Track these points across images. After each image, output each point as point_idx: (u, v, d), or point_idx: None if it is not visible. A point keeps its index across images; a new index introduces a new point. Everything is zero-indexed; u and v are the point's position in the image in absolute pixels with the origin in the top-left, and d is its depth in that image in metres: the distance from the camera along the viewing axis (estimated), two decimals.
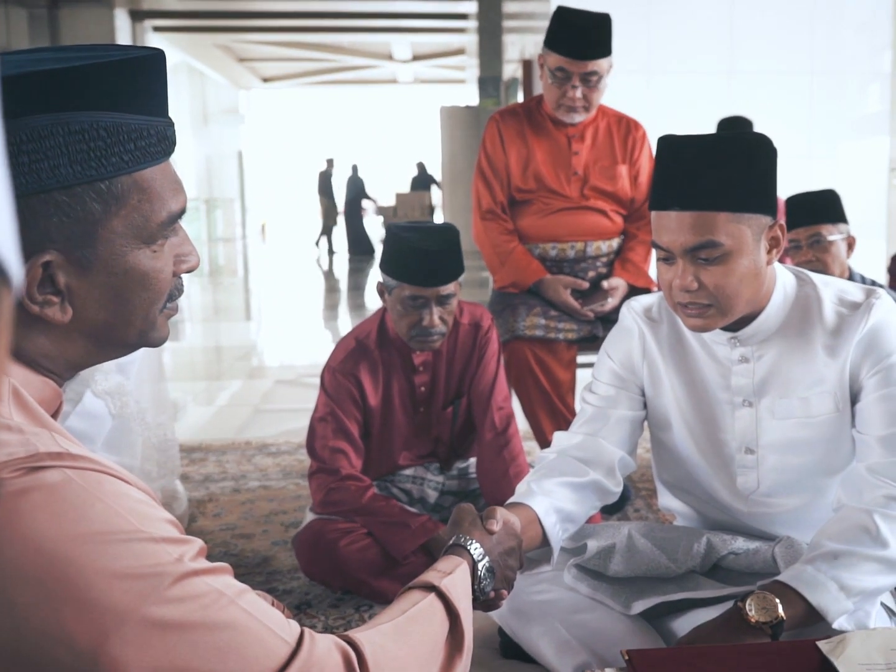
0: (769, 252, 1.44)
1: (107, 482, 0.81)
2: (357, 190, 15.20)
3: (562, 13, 2.66)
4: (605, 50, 2.63)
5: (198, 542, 0.85)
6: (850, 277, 2.66)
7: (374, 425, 2.32)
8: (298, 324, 7.82)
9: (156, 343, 0.98)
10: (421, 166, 16.02)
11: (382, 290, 2.23)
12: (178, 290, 0.98)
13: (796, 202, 2.68)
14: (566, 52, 2.60)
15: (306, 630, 0.92)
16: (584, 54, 2.59)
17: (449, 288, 2.13)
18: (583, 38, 2.60)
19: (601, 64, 2.63)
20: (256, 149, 23.68)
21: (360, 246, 14.81)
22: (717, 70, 5.46)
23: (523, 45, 7.76)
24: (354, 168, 15.58)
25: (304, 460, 3.20)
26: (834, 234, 2.60)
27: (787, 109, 5.44)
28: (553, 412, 2.60)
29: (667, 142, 1.43)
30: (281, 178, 24.58)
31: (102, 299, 0.89)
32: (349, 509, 2.19)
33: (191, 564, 0.81)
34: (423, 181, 15.73)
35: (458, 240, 2.18)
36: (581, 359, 2.75)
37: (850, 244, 2.65)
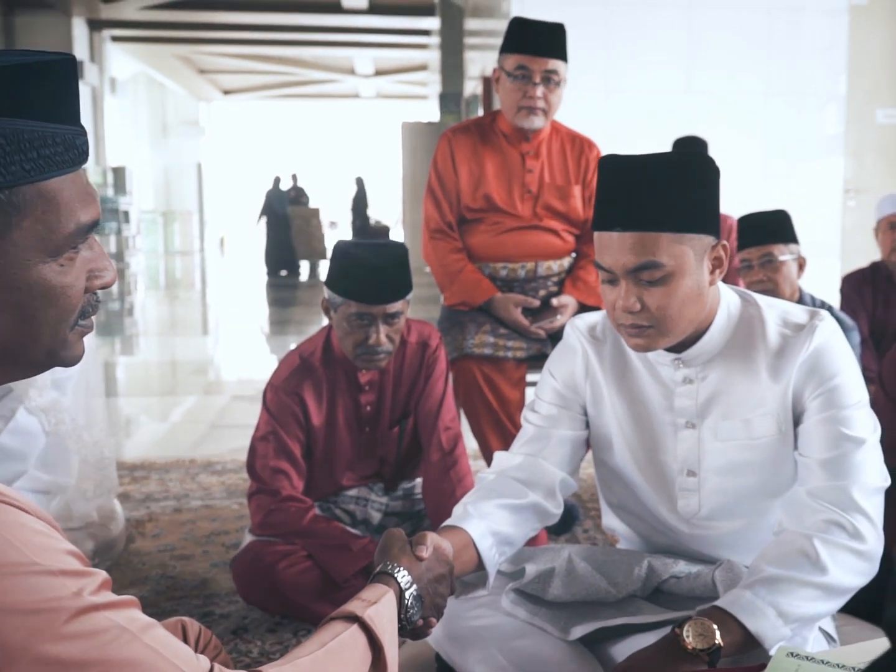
0: (712, 272, 1.43)
1: (1, 512, 0.77)
2: (280, 203, 14.28)
3: (518, 20, 2.70)
4: (562, 53, 2.65)
5: (100, 575, 0.81)
6: (801, 298, 2.68)
7: (318, 445, 2.28)
8: (256, 339, 7.74)
9: (68, 362, 0.94)
10: (360, 181, 15.69)
11: (328, 307, 2.19)
12: (91, 307, 0.94)
13: (748, 222, 2.69)
14: (526, 49, 2.62)
15: (216, 666, 0.89)
16: (544, 51, 2.61)
17: (396, 306, 2.10)
18: (541, 37, 2.63)
19: (560, 65, 2.64)
20: (216, 161, 23.52)
21: (277, 264, 13.87)
22: (675, 89, 5.51)
23: (484, 62, 7.78)
24: (276, 180, 14.58)
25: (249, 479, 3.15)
26: (785, 255, 2.61)
27: (744, 129, 5.50)
28: (501, 431, 2.58)
29: (609, 162, 1.42)
30: (241, 192, 24.41)
31: (4, 316, 0.84)
32: (289, 531, 2.15)
33: (91, 598, 0.77)
34: (360, 198, 15.44)
35: (407, 257, 2.15)
36: (531, 377, 2.73)
37: (801, 265, 2.66)
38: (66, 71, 0.89)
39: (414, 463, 2.42)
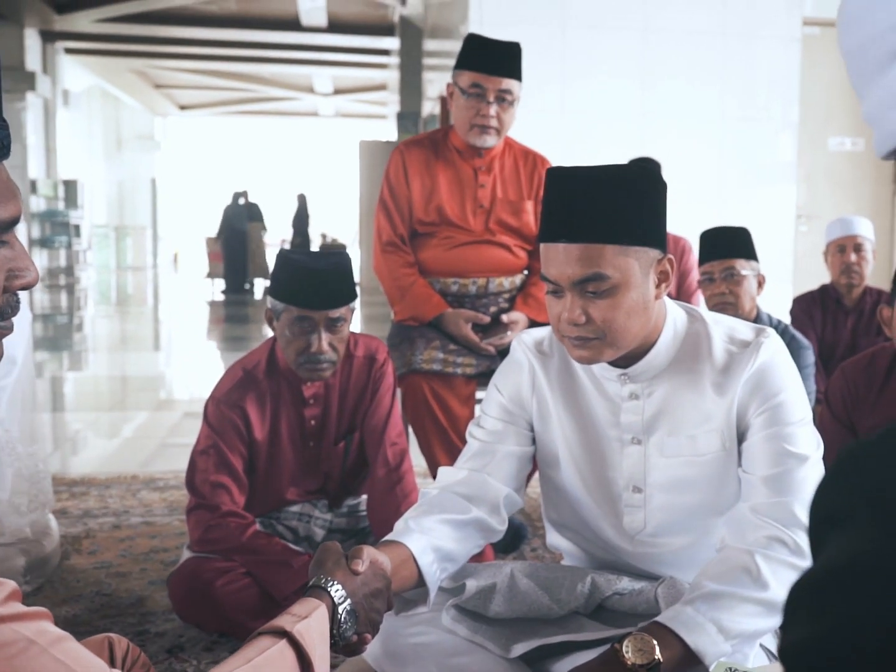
0: (658, 286, 1.43)
1: None
2: (238, 219, 13.84)
3: (474, 36, 2.69)
4: (517, 72, 2.65)
5: (9, 585, 0.77)
6: (758, 315, 2.70)
7: (260, 460, 2.24)
8: (208, 356, 7.65)
9: None
10: (301, 198, 15.43)
11: (271, 316, 2.17)
12: (10, 308, 0.91)
13: (711, 236, 2.73)
14: (481, 67, 2.61)
15: None
16: (499, 69, 2.61)
17: (338, 312, 2.08)
18: (496, 55, 2.63)
19: (514, 84, 2.64)
20: (172, 177, 23.33)
21: (233, 284, 13.54)
22: (630, 110, 5.57)
23: (442, 82, 7.82)
24: (235, 196, 14.04)
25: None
26: (746, 270, 2.65)
27: (699, 152, 5.57)
28: (450, 448, 2.56)
29: (555, 174, 1.41)
30: (196, 208, 24.23)
31: None
32: (228, 548, 2.10)
33: None
34: (302, 215, 15.14)
35: (350, 265, 2.13)
36: (480, 394, 2.71)
37: (760, 282, 2.70)
38: None
39: (359, 479, 2.39)
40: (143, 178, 20.92)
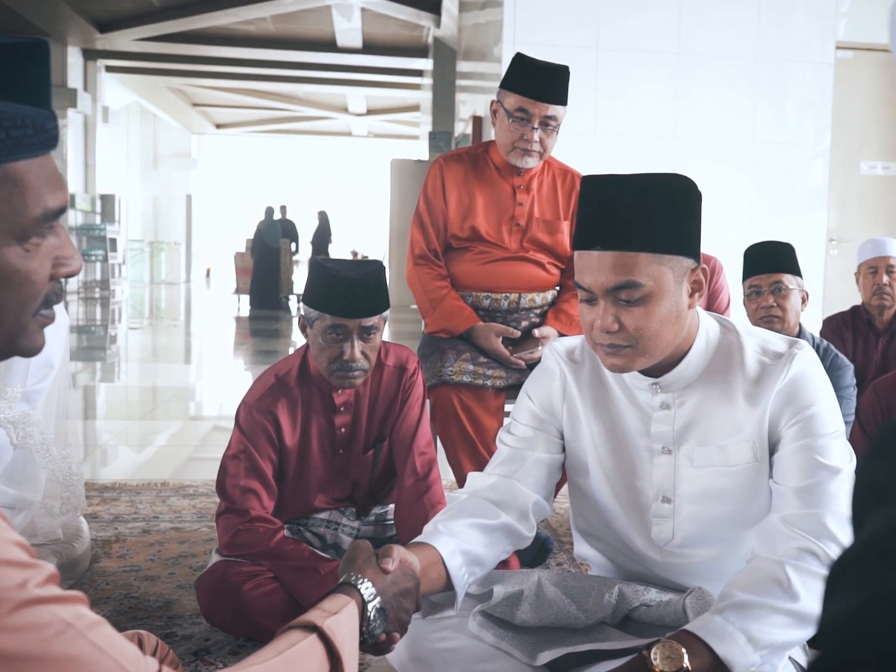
0: (691, 295, 1.42)
1: None
2: (271, 235, 13.69)
3: (522, 57, 2.65)
4: (563, 98, 2.63)
5: (48, 567, 0.78)
6: (800, 333, 2.69)
7: (290, 466, 2.25)
8: (239, 370, 7.69)
9: (27, 352, 0.92)
10: (323, 215, 15.30)
11: (304, 323, 2.18)
12: (55, 295, 0.92)
13: (758, 250, 2.74)
14: (528, 92, 2.59)
15: (165, 668, 0.85)
16: (546, 96, 2.59)
17: (372, 320, 2.09)
18: (545, 81, 2.60)
19: (559, 110, 2.62)
20: (207, 193, 23.60)
21: (263, 300, 13.41)
22: (662, 133, 5.57)
23: (475, 103, 7.86)
24: (268, 211, 13.78)
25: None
26: (793, 284, 2.65)
27: (730, 176, 5.56)
28: (478, 460, 2.55)
29: (590, 182, 1.42)
30: (231, 224, 24.46)
31: None
32: (256, 552, 2.10)
33: (36, 591, 0.74)
34: (323, 232, 15.03)
35: (384, 274, 2.14)
36: (509, 407, 2.71)
37: (804, 298, 2.70)
38: (38, 54, 0.88)
39: (387, 488, 2.39)
40: (179, 194, 21.18)
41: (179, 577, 2.52)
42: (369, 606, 1.17)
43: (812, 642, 1.41)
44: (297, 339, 10.08)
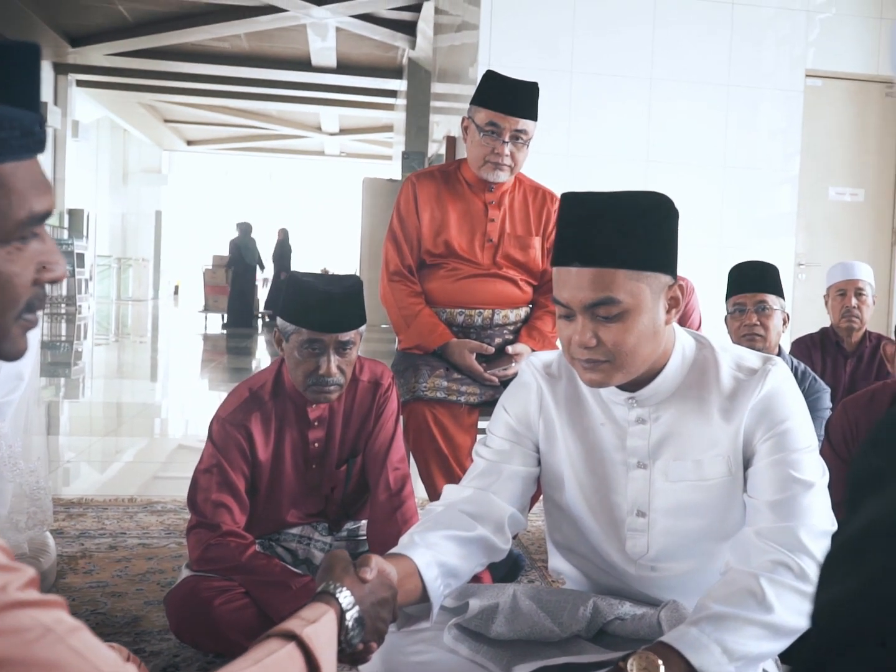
0: (668, 311, 1.44)
1: None
2: (251, 254, 13.70)
3: (493, 74, 2.71)
4: (533, 113, 2.67)
5: (28, 571, 0.77)
6: (780, 354, 2.72)
7: (262, 480, 2.24)
8: (205, 389, 7.63)
9: (9, 356, 0.91)
10: (283, 232, 15.12)
11: (280, 338, 2.17)
12: (38, 300, 0.92)
13: (745, 269, 2.78)
14: (498, 107, 2.63)
15: None
16: (516, 110, 2.63)
17: (349, 335, 2.09)
18: (515, 96, 2.65)
19: (529, 125, 2.67)
20: (177, 210, 23.48)
21: (238, 319, 13.36)
22: (635, 157, 5.63)
23: (449, 124, 7.91)
24: (246, 228, 13.82)
25: (188, 520, 3.07)
26: (776, 305, 2.69)
27: (701, 200, 5.63)
28: (451, 476, 2.55)
29: (569, 198, 1.43)
30: (200, 241, 24.33)
31: None
32: (227, 567, 2.08)
33: (16, 595, 0.74)
34: (284, 250, 14.89)
35: (361, 289, 2.14)
36: (482, 423, 2.72)
37: (785, 320, 2.74)
38: (27, 57, 0.88)
39: (360, 503, 2.38)
40: (148, 210, 21.08)
41: (147, 594, 2.49)
42: (347, 615, 1.17)
43: (784, 656, 1.42)
44: (264, 356, 10.03)
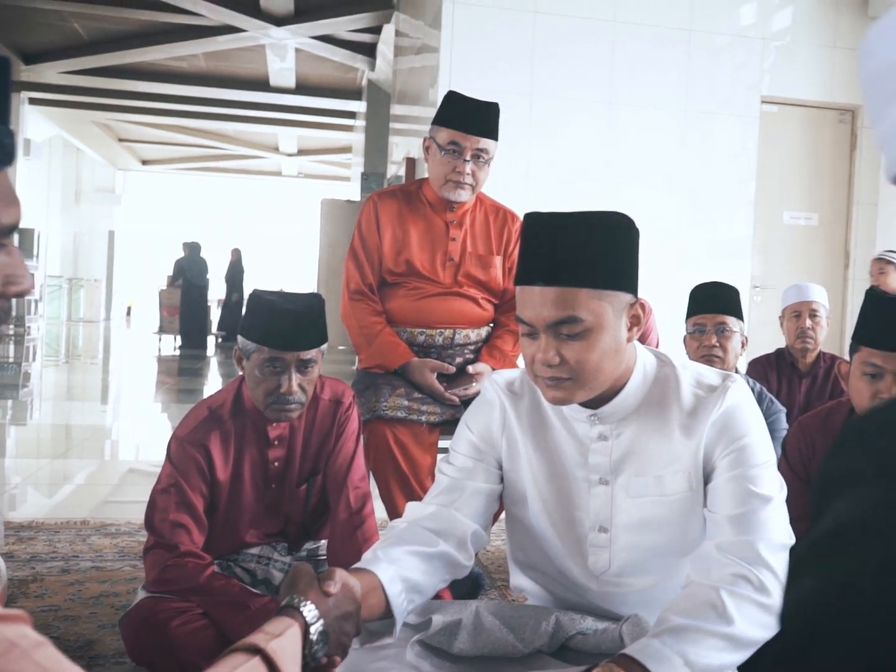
0: (630, 329, 1.47)
1: None
2: (197, 273, 13.67)
3: (454, 94, 2.76)
4: (494, 132, 2.73)
5: None
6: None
7: (221, 500, 2.23)
8: (157, 413, 7.55)
9: None
10: (237, 252, 15.07)
11: (240, 356, 2.17)
12: (4, 314, 0.92)
13: (707, 290, 2.81)
14: (459, 126, 2.68)
15: None
16: (477, 129, 2.68)
17: (310, 354, 2.09)
18: (475, 115, 2.70)
19: (490, 144, 2.72)
20: (130, 231, 23.27)
21: (190, 340, 13.30)
22: (594, 178, 5.71)
23: (409, 146, 7.96)
24: (194, 247, 13.86)
25: (144, 542, 3.04)
26: (736, 327, 2.73)
27: (659, 223, 5.71)
28: (411, 495, 2.56)
29: (533, 218, 1.46)
30: (154, 262, 24.11)
31: None
32: (185, 588, 2.07)
33: None
34: (237, 270, 14.85)
35: (323, 307, 2.15)
36: (443, 443, 2.73)
37: (743, 343, 2.78)
38: None
39: (320, 523, 2.38)
40: (101, 230, 20.86)
41: (101, 617, 2.46)
42: (312, 629, 1.18)
43: (743, 669, 1.45)
44: (216, 379, 9.95)
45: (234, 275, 14.73)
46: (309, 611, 1.19)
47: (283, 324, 2.07)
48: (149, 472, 4.87)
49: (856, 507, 0.52)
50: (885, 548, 0.48)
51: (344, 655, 1.26)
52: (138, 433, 6.47)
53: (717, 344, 2.70)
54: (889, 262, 4.91)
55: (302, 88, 13.97)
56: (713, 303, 2.76)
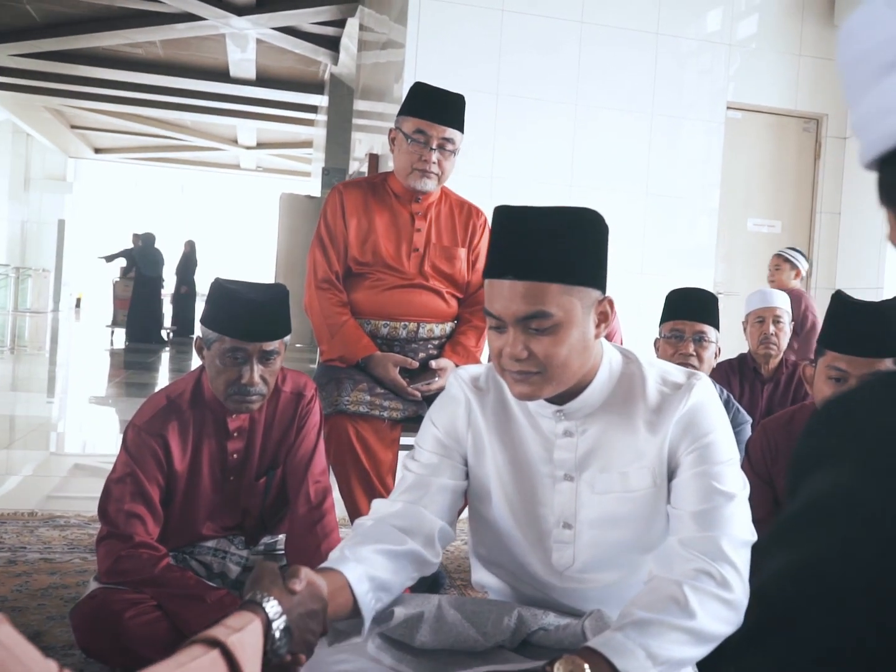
0: (598, 326, 1.50)
1: None
2: (151, 265, 13.47)
3: (421, 84, 2.81)
4: (459, 123, 2.77)
5: None
6: None
7: (178, 491, 2.22)
8: (103, 408, 7.45)
9: None
10: (190, 244, 14.87)
11: (201, 345, 2.17)
12: None
13: (688, 296, 2.80)
14: (426, 115, 2.73)
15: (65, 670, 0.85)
16: (443, 119, 2.73)
17: (273, 345, 2.09)
18: (442, 105, 2.75)
19: (456, 134, 2.76)
20: (81, 220, 22.94)
21: (140, 333, 13.06)
22: (559, 181, 5.75)
23: (372, 142, 7.95)
24: (149, 238, 13.65)
25: (94, 534, 3.01)
26: (712, 337, 2.72)
27: (623, 227, 5.77)
28: (371, 492, 2.57)
29: (503, 211, 1.47)
30: (106, 253, 23.80)
31: None
32: (139, 579, 2.06)
33: None
34: (189, 263, 14.68)
35: (287, 298, 2.15)
36: (405, 440, 2.74)
37: (717, 353, 2.78)
38: None
39: (278, 517, 2.38)
40: (51, 219, 20.55)
41: (50, 609, 2.44)
42: (274, 625, 1.18)
43: (702, 665, 1.47)
44: (165, 374, 9.86)
45: (186, 267, 14.56)
46: (271, 607, 1.19)
47: (246, 314, 2.07)
48: (95, 466, 4.81)
49: (827, 483, 0.54)
50: (856, 521, 0.51)
51: (309, 654, 1.26)
52: (86, 426, 6.39)
53: (694, 353, 2.71)
54: (786, 260, 5.14)
55: (262, 80, 13.89)
56: (694, 310, 2.74)
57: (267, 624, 1.18)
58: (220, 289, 2.12)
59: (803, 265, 5.16)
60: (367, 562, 1.48)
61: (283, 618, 1.20)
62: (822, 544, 0.52)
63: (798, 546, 0.53)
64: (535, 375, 1.45)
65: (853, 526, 0.50)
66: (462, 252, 2.87)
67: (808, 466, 0.57)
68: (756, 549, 1.44)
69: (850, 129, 0.67)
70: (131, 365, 10.65)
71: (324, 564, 1.47)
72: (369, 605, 1.45)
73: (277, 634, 1.19)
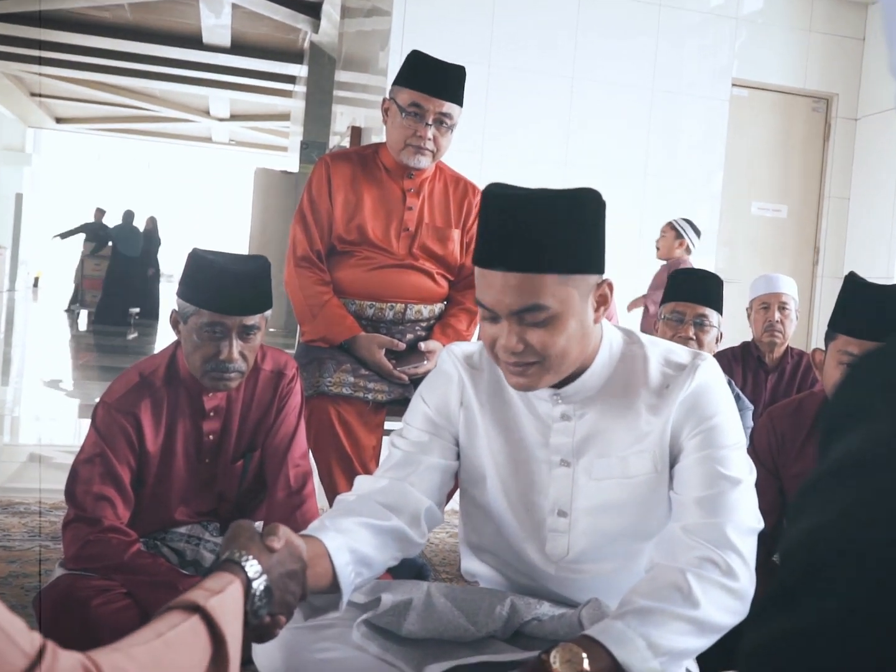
0: (597, 310, 1.49)
1: None
2: (130, 244, 13.53)
3: (418, 54, 2.75)
4: (458, 97, 2.73)
5: None
6: None
7: (150, 474, 2.21)
8: (62, 396, 7.39)
9: None
10: (152, 221, 14.75)
11: (177, 319, 2.16)
12: None
13: (692, 277, 2.81)
14: (423, 87, 2.68)
15: (49, 643, 0.86)
16: (442, 92, 2.69)
17: (253, 319, 2.09)
18: (441, 77, 2.71)
19: (455, 109, 2.72)
20: (41, 194, 22.76)
21: (109, 315, 13.07)
22: (553, 160, 5.76)
23: (354, 115, 7.92)
24: (127, 215, 13.77)
25: (57, 522, 3.01)
26: (714, 322, 2.74)
27: (621, 209, 5.78)
28: (352, 477, 2.56)
29: (494, 194, 1.44)
30: (67, 229, 23.64)
31: None
32: (108, 565, 2.06)
33: None
34: (150, 238, 14.44)
35: (269, 270, 2.15)
36: (389, 424, 2.75)
37: (718, 339, 2.79)
38: None
39: (255, 503, 2.38)
40: (7, 193, 20.36)
41: (10, 598, 2.43)
42: (254, 585, 1.18)
43: (702, 658, 1.49)
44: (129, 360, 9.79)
45: (149, 246, 14.44)
46: (251, 566, 1.19)
47: (225, 286, 2.06)
48: (54, 455, 4.79)
49: (859, 439, 0.55)
50: (892, 472, 0.52)
51: (289, 616, 1.26)
52: (43, 413, 6.34)
53: (694, 337, 2.71)
54: (673, 228, 5.30)
55: (237, 48, 13.79)
56: (697, 292, 2.75)
57: (247, 584, 1.18)
58: (198, 259, 2.11)
59: (691, 238, 5.33)
60: (349, 533, 1.47)
61: (264, 577, 1.20)
62: (856, 498, 0.53)
63: (830, 503, 0.54)
64: (533, 366, 1.45)
65: (888, 478, 0.52)
66: (456, 234, 2.86)
67: (838, 424, 0.58)
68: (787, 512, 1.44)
69: (890, 70, 0.67)
70: (96, 348, 10.59)
71: (303, 532, 1.44)
72: (348, 577, 1.44)
73: (258, 595, 1.19)
